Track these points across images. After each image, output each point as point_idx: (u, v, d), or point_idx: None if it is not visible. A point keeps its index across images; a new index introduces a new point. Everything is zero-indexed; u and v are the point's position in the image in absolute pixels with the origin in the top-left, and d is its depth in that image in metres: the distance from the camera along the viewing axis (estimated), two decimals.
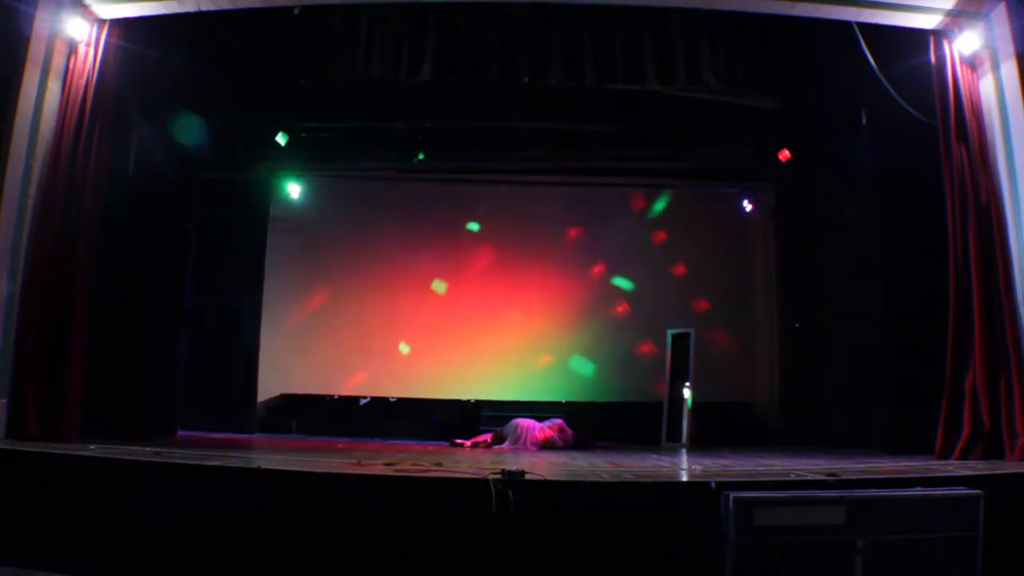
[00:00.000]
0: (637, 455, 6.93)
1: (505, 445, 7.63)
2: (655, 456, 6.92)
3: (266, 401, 9.47)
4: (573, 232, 10.35)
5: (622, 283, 10.18)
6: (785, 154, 8.93)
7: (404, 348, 10.03)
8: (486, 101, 8.06)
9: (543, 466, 4.97)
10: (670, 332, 9.44)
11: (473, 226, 10.25)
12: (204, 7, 6.04)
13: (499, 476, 3.85)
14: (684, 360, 9.14)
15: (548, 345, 10.05)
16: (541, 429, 7.73)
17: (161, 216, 7.17)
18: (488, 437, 7.84)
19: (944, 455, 5.57)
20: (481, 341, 9.96)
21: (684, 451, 7.90)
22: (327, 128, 9.05)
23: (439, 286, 10.17)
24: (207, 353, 8.68)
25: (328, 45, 6.42)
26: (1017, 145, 5.70)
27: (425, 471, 4.34)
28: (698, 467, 5.59)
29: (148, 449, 4.90)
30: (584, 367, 9.98)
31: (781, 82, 6.96)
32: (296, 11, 6.14)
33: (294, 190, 9.88)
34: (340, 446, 7.01)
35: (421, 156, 9.47)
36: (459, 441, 7.95)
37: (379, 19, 6.40)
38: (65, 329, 5.69)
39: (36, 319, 5.62)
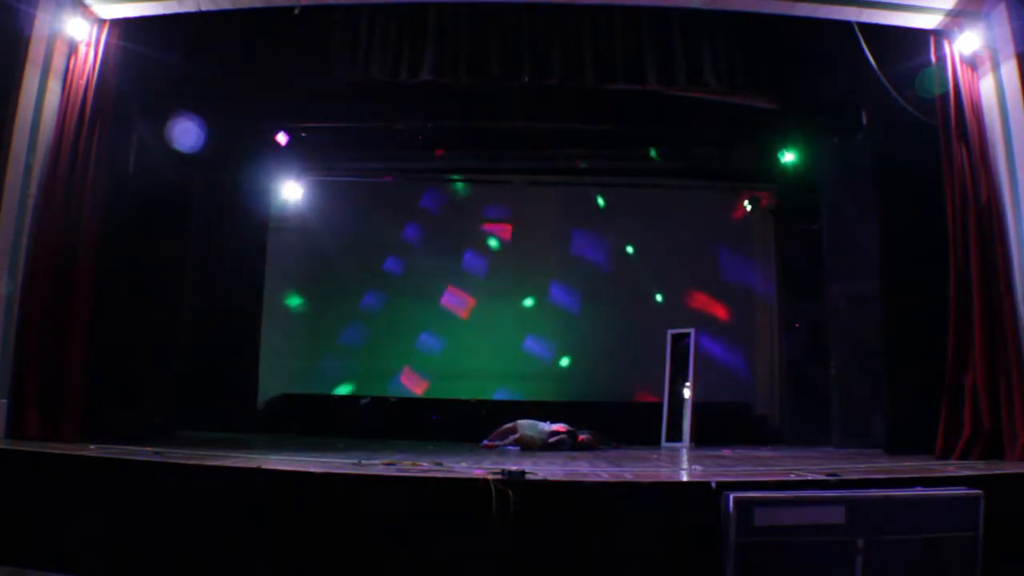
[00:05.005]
0: (637, 455, 6.92)
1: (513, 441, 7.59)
2: (655, 456, 6.92)
3: (266, 401, 9.47)
4: (573, 231, 10.36)
5: (622, 282, 10.17)
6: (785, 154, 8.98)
7: (404, 348, 10.02)
8: (486, 101, 8.06)
9: (543, 466, 4.97)
10: (670, 332, 9.44)
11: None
12: (204, 7, 6.04)
13: (499, 476, 3.85)
14: (684, 360, 9.14)
15: (548, 345, 10.06)
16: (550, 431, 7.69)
17: (161, 216, 7.17)
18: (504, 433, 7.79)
19: (944, 455, 5.57)
20: (482, 341, 9.96)
21: (684, 451, 7.90)
22: (327, 128, 9.04)
23: (439, 286, 10.17)
24: (207, 353, 8.67)
25: (328, 45, 6.41)
26: (1017, 145, 5.70)
27: (425, 471, 4.34)
28: (698, 467, 5.59)
29: (148, 449, 4.89)
30: (584, 367, 9.98)
31: (781, 82, 6.96)
32: (296, 11, 6.14)
33: (294, 190, 9.88)
34: (340, 446, 7.00)
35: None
36: (487, 444, 7.86)
37: (379, 19, 6.39)
38: (65, 329, 5.69)
39: (36, 319, 5.62)
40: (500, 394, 9.70)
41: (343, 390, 9.76)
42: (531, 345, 10.05)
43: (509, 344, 9.98)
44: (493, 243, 10.30)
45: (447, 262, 10.20)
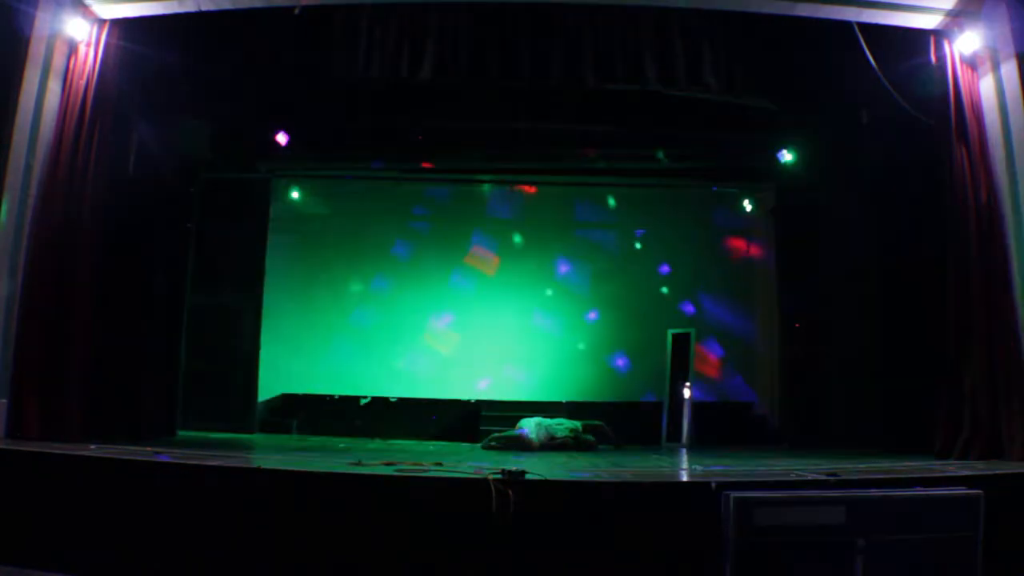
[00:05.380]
0: (637, 455, 6.93)
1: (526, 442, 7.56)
2: (655, 456, 6.92)
3: (266, 401, 9.47)
4: (573, 232, 10.36)
5: (622, 283, 10.18)
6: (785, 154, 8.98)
7: (404, 348, 10.03)
8: (486, 101, 8.05)
9: (543, 466, 4.97)
10: (670, 332, 9.45)
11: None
12: (204, 7, 6.04)
13: (499, 476, 3.86)
14: (684, 360, 9.15)
15: (548, 345, 10.06)
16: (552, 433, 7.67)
17: (161, 216, 7.16)
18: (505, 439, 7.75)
19: (944, 455, 5.57)
20: (481, 341, 9.96)
21: (684, 451, 7.90)
22: (327, 128, 9.04)
23: (439, 286, 10.17)
24: (207, 353, 8.67)
25: (328, 45, 6.42)
26: (1017, 145, 5.70)
27: (425, 471, 4.34)
28: (698, 467, 5.60)
29: (148, 449, 4.90)
30: (585, 367, 9.98)
31: (781, 82, 6.96)
32: (296, 11, 6.13)
33: (294, 190, 9.88)
34: (340, 446, 7.01)
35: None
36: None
37: (379, 19, 6.39)
38: (65, 329, 5.69)
39: (36, 319, 5.62)
40: (500, 394, 9.69)
41: (342, 390, 9.75)
42: (532, 345, 10.05)
43: (509, 344, 9.98)
44: (492, 242, 10.30)
45: (447, 261, 10.21)
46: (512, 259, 10.23)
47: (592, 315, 10.10)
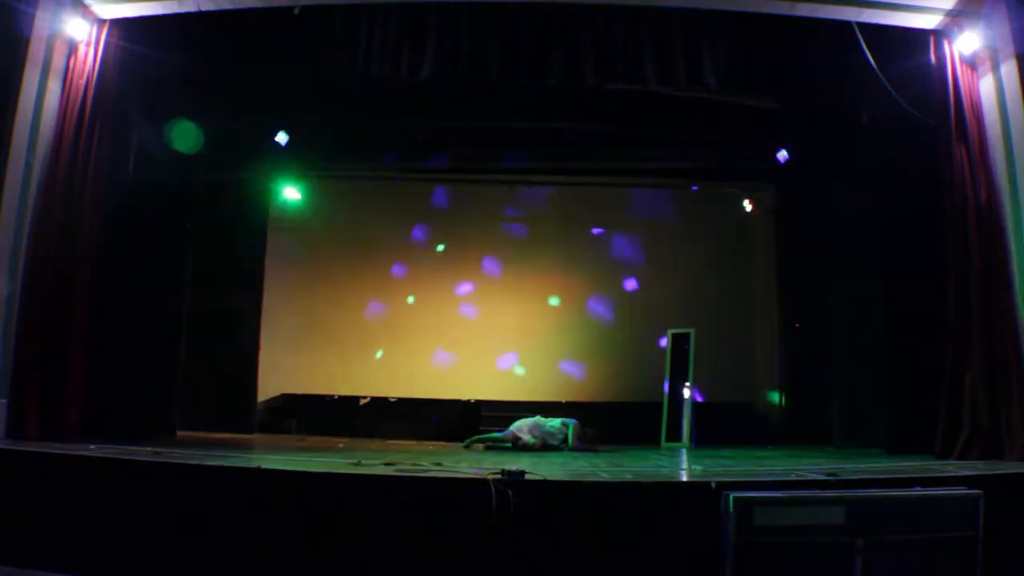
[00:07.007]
0: (637, 455, 6.93)
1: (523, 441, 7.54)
2: (655, 456, 6.92)
3: (266, 401, 9.47)
4: (574, 232, 10.36)
5: (622, 283, 10.18)
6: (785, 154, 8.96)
7: (404, 347, 10.03)
8: (486, 101, 8.05)
9: (543, 466, 4.97)
10: (670, 332, 9.44)
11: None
12: (204, 7, 6.04)
13: (499, 476, 3.86)
14: (684, 360, 9.15)
15: (548, 345, 10.06)
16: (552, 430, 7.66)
17: (161, 216, 7.16)
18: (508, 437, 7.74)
19: (944, 455, 5.57)
20: (481, 341, 9.96)
21: (684, 451, 7.90)
22: (327, 128, 9.03)
23: (439, 286, 10.17)
24: (207, 353, 8.67)
25: (328, 45, 6.42)
26: (1017, 145, 5.70)
27: (425, 471, 4.34)
28: (698, 467, 5.60)
29: (148, 449, 4.90)
30: (584, 367, 9.98)
31: (781, 82, 6.95)
32: (296, 11, 6.14)
33: (294, 191, 9.88)
34: (340, 446, 7.01)
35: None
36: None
37: (379, 19, 6.39)
38: (65, 329, 5.69)
39: (36, 319, 5.62)
40: (500, 394, 9.69)
41: (342, 390, 9.75)
42: (531, 345, 10.05)
43: (509, 344, 9.98)
44: (492, 242, 10.30)
45: (447, 261, 10.21)
46: (512, 259, 10.23)
47: (591, 314, 10.09)
